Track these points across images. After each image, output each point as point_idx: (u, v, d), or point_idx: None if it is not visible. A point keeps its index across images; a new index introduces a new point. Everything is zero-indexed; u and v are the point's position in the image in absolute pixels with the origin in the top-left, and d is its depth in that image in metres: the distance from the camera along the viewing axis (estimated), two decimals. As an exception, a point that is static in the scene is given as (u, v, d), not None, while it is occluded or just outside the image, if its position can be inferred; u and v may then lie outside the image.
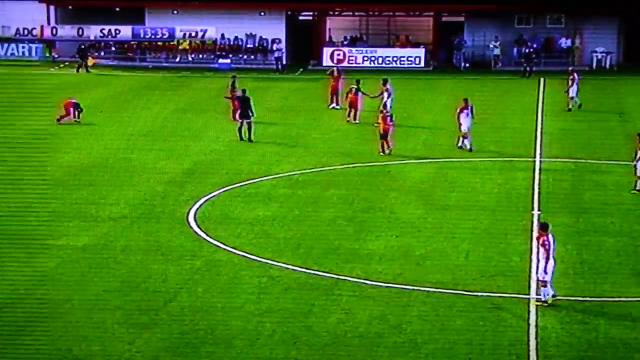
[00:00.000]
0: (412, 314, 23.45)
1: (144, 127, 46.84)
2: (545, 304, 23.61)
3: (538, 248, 24.25)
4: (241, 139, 42.67)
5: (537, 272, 24.05)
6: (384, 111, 41.54)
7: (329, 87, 52.66)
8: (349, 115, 48.04)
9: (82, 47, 67.85)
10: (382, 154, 40.01)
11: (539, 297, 23.87)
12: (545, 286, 23.62)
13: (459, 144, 41.11)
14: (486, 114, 48.10)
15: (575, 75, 51.16)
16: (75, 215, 31.63)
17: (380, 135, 40.46)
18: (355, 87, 48.81)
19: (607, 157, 40.19)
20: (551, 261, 23.71)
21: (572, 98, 50.76)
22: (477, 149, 41.25)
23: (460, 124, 41.12)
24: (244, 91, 44.12)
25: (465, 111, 41.12)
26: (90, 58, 67.05)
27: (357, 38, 72.12)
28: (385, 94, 47.22)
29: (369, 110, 47.17)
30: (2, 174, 33.74)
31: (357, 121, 47.81)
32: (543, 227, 24.22)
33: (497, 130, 45.48)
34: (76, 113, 47.46)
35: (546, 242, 23.68)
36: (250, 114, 42.94)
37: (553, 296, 23.77)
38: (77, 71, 65.23)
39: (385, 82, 47.87)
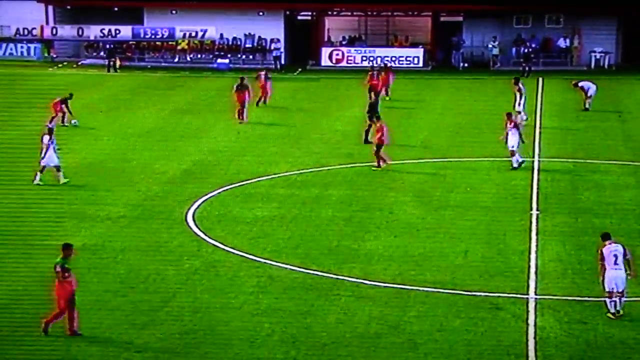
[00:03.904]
0: (411, 314, 23.45)
1: (142, 127, 46.83)
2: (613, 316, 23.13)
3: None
4: (366, 141, 41.96)
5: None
6: (378, 123, 38.56)
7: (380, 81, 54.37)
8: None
9: (110, 48, 68.01)
10: (377, 168, 37.62)
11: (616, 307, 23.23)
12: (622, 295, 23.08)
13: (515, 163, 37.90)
14: (484, 114, 48.15)
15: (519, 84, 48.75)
16: (74, 215, 31.60)
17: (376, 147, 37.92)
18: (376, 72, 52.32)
19: (606, 157, 40.19)
20: (608, 272, 23.02)
21: (590, 97, 50.42)
22: (476, 150, 41.26)
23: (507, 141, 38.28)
24: (377, 94, 43.86)
25: (510, 126, 38.19)
26: (117, 59, 67.10)
27: (356, 38, 72.11)
28: (518, 94, 47.08)
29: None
30: (1, 174, 33.77)
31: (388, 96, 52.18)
32: (603, 237, 23.64)
33: (496, 130, 45.42)
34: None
35: (598, 253, 23.42)
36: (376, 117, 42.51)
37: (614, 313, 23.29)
38: (108, 71, 65.48)
39: (517, 81, 47.68)
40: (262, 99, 51.90)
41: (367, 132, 41.97)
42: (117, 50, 68.60)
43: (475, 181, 36.23)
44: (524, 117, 46.27)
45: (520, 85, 47.20)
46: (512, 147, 37.90)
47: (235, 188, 35.23)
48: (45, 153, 35.19)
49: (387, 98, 52.27)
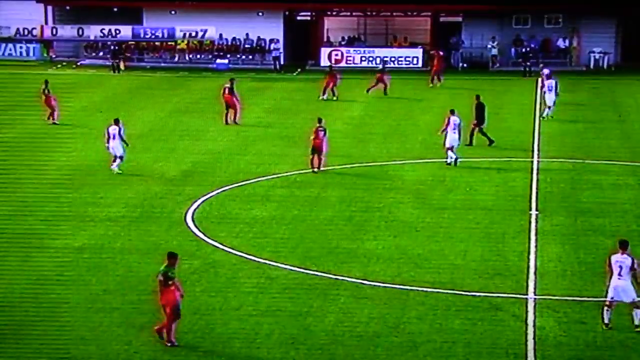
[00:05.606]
0: (410, 314, 23.47)
1: (142, 128, 46.78)
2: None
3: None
4: (471, 143, 41.65)
5: None
6: (318, 125, 38.00)
7: (432, 68, 60.16)
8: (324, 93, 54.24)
9: (114, 48, 67.96)
10: (314, 170, 37.18)
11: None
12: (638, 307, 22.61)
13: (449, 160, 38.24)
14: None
15: (550, 79, 49.50)
16: (73, 215, 31.60)
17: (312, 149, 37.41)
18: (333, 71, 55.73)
19: (605, 157, 40.20)
20: (612, 280, 22.46)
21: (549, 107, 48.74)
22: (475, 150, 41.25)
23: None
24: (478, 97, 43.46)
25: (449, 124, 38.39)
26: (122, 61, 67.05)
27: (355, 38, 72.11)
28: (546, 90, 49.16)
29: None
30: (0, 174, 33.77)
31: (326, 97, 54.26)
32: (620, 244, 23.00)
33: (495, 130, 45.38)
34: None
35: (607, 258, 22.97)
36: (483, 120, 42.33)
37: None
38: (114, 72, 65.45)
39: (548, 76, 50.11)
40: (384, 89, 55.41)
41: (472, 134, 41.96)
42: (121, 52, 68.47)
43: (474, 181, 36.24)
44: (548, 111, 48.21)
45: (545, 82, 49.41)
46: (450, 144, 38.21)
47: (235, 188, 35.24)
48: (111, 142, 36.93)
49: (439, 85, 58.39)
